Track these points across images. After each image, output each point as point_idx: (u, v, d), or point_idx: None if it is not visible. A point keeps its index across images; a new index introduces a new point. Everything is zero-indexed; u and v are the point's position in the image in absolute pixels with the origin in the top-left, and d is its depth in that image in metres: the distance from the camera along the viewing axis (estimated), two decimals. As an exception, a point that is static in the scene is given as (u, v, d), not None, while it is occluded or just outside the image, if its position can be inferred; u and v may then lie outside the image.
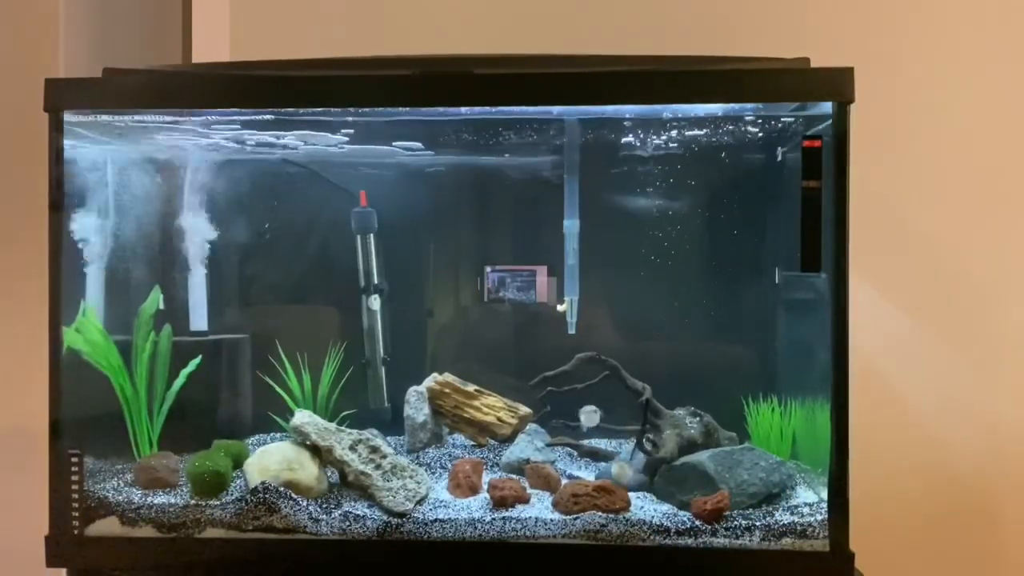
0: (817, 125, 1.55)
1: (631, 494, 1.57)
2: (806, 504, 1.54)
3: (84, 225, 1.70)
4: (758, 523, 1.48)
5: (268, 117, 1.65)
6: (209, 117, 1.66)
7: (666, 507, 1.56)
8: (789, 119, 1.69)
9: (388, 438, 1.83)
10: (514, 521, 1.50)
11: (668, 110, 1.65)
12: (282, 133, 1.76)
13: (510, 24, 2.03)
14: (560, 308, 1.92)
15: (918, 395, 1.98)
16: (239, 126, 1.71)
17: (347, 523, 1.51)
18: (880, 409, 1.93)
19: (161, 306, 1.74)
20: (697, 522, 1.49)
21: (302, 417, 1.63)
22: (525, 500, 1.58)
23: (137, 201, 1.86)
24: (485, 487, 1.61)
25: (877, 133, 1.84)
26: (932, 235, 1.97)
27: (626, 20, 2.02)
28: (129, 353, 1.71)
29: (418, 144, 1.84)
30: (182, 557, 1.52)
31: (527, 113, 1.66)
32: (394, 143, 1.83)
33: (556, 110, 1.65)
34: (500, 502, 1.55)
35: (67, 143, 1.54)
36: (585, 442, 1.83)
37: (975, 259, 1.96)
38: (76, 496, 1.54)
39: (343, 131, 1.75)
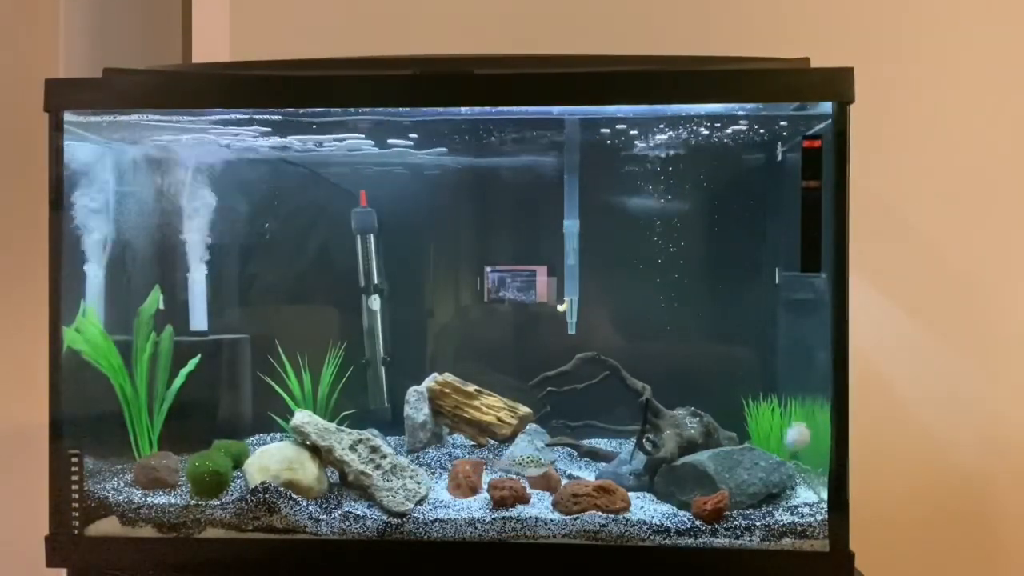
0: (816, 125, 1.55)
1: (631, 494, 1.57)
2: (806, 504, 1.54)
3: (84, 224, 1.70)
4: (758, 523, 1.48)
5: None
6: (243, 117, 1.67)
7: (666, 507, 1.56)
8: (789, 119, 1.69)
9: (388, 438, 1.83)
10: (514, 521, 1.50)
11: (668, 110, 1.65)
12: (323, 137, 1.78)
13: (510, 24, 2.03)
14: (560, 308, 1.92)
15: (918, 395, 1.98)
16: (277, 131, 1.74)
17: (347, 523, 1.51)
18: (880, 409, 1.93)
19: (161, 306, 1.74)
20: (697, 522, 1.49)
21: (302, 417, 1.63)
22: (525, 500, 1.58)
23: (138, 201, 1.86)
24: (485, 487, 1.61)
25: (877, 133, 1.84)
26: (932, 235, 1.97)
27: (625, 20, 2.02)
28: (129, 353, 1.71)
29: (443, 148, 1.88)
30: (182, 557, 1.52)
31: (527, 113, 1.66)
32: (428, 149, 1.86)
33: (556, 110, 1.65)
34: (500, 502, 1.55)
35: (67, 142, 1.54)
36: (585, 442, 1.83)
37: (975, 259, 1.96)
38: (76, 496, 1.54)
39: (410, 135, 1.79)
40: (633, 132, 1.83)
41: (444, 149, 1.89)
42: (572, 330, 1.91)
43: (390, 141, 1.82)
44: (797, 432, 1.65)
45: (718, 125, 1.76)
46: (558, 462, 1.76)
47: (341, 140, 1.79)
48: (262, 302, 2.03)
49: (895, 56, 1.96)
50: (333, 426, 1.64)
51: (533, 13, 2.03)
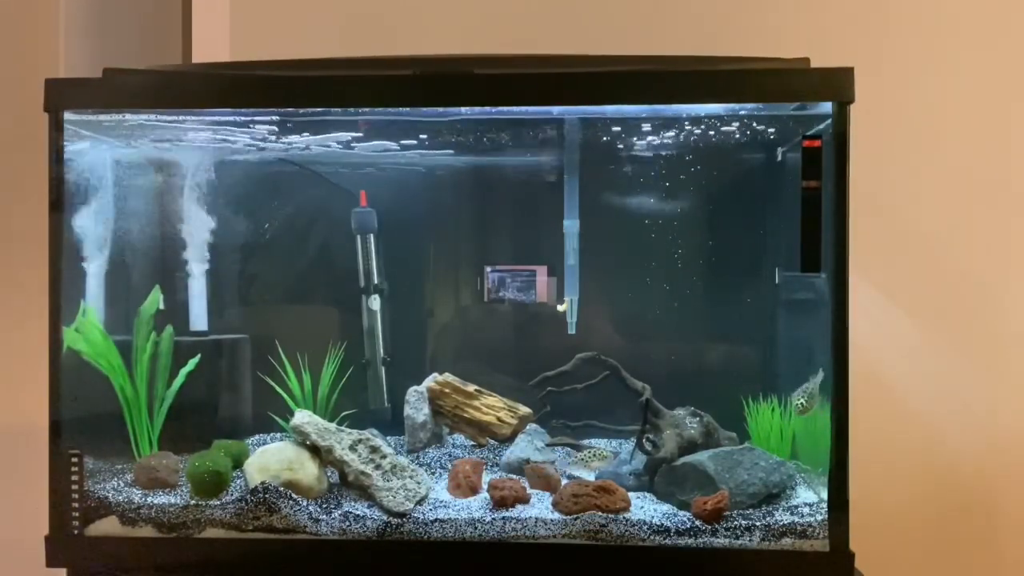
0: (817, 125, 1.55)
1: (631, 494, 1.57)
2: (806, 504, 1.54)
3: (84, 224, 1.70)
4: (758, 523, 1.48)
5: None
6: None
7: (666, 507, 1.56)
8: (789, 118, 1.69)
9: (388, 438, 1.83)
10: (514, 521, 1.50)
11: (668, 110, 1.65)
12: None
13: (510, 24, 2.03)
14: (560, 308, 1.92)
15: (918, 395, 1.98)
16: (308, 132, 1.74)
17: (347, 523, 1.51)
18: (880, 409, 1.93)
19: (161, 306, 1.74)
20: (697, 522, 1.49)
21: (302, 417, 1.63)
22: (525, 500, 1.58)
23: (138, 201, 1.86)
24: (485, 487, 1.61)
25: (877, 133, 1.84)
26: (932, 235, 1.97)
27: (626, 20, 2.02)
28: (129, 353, 1.71)
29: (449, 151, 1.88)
30: (182, 557, 1.52)
31: (527, 113, 1.66)
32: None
33: (556, 110, 1.66)
34: (500, 502, 1.55)
35: (67, 142, 1.54)
36: (585, 442, 1.83)
37: (975, 258, 1.96)
38: (76, 496, 1.54)
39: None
40: (632, 132, 1.83)
41: (443, 149, 1.88)
42: (572, 330, 1.91)
43: (383, 141, 1.83)
44: (801, 398, 1.62)
45: (718, 125, 1.76)
46: (558, 462, 1.76)
47: (368, 142, 1.80)
48: (262, 302, 2.03)
49: (895, 56, 1.96)
50: (333, 426, 1.64)
51: (533, 13, 2.03)
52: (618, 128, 1.81)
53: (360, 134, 1.78)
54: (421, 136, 1.80)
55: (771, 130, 1.78)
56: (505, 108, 1.61)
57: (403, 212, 2.00)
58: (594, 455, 1.66)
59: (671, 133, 1.82)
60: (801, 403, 1.59)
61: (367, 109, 1.62)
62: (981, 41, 1.96)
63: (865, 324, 1.81)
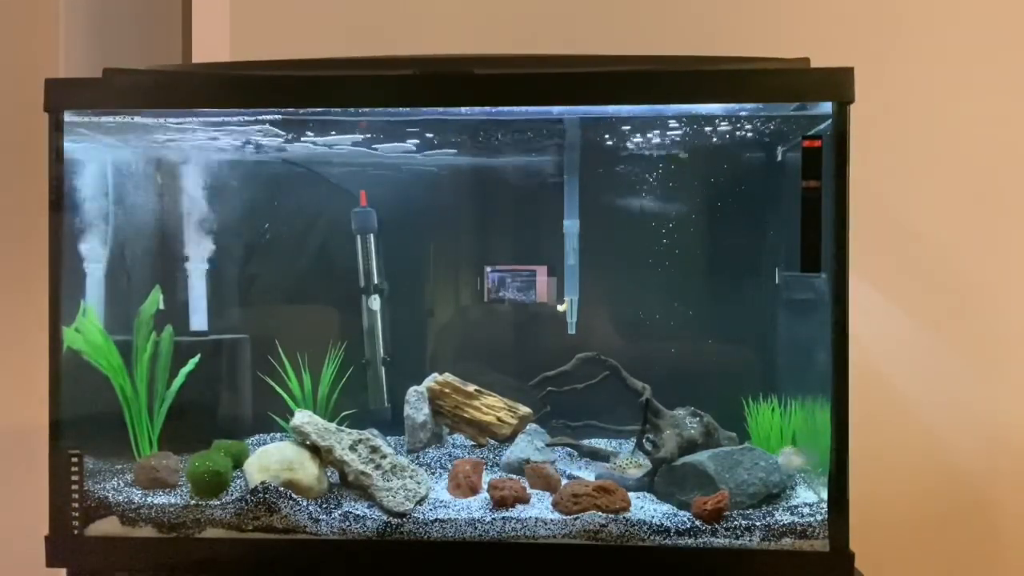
0: (817, 125, 1.55)
1: (631, 494, 1.57)
2: (806, 504, 1.54)
3: (84, 224, 1.70)
4: (758, 523, 1.48)
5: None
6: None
7: (666, 507, 1.56)
8: (789, 119, 1.69)
9: (388, 438, 1.83)
10: (514, 521, 1.50)
11: (668, 110, 1.65)
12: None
13: (510, 24, 2.03)
14: (560, 308, 1.92)
15: (918, 395, 1.98)
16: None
17: (347, 523, 1.51)
18: (880, 409, 1.93)
19: (161, 306, 1.74)
20: (697, 522, 1.49)
21: (302, 417, 1.63)
22: (525, 500, 1.58)
23: (138, 201, 1.86)
24: (485, 487, 1.61)
25: (877, 133, 1.84)
26: (932, 235, 1.97)
27: (626, 20, 2.02)
28: (129, 353, 1.71)
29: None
30: (182, 557, 1.52)
31: (527, 113, 1.66)
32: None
33: (556, 110, 1.66)
34: (500, 502, 1.55)
35: (67, 142, 1.54)
36: (585, 442, 1.83)
37: (975, 259, 1.96)
38: (76, 496, 1.54)
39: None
40: (633, 132, 1.83)
41: (445, 149, 1.88)
42: (572, 330, 1.91)
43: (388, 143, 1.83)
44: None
45: (717, 125, 1.76)
46: (558, 462, 1.76)
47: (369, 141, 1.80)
48: (262, 302, 2.03)
49: (895, 56, 1.96)
50: (333, 426, 1.64)
51: (533, 13, 2.03)
52: (618, 128, 1.81)
53: (362, 136, 1.78)
54: (425, 136, 1.80)
55: (771, 130, 1.78)
56: (505, 108, 1.61)
57: (403, 212, 2.00)
58: (631, 463, 1.66)
59: (671, 133, 1.82)
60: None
61: (367, 109, 1.62)
62: (982, 41, 1.96)
63: (865, 324, 1.82)
